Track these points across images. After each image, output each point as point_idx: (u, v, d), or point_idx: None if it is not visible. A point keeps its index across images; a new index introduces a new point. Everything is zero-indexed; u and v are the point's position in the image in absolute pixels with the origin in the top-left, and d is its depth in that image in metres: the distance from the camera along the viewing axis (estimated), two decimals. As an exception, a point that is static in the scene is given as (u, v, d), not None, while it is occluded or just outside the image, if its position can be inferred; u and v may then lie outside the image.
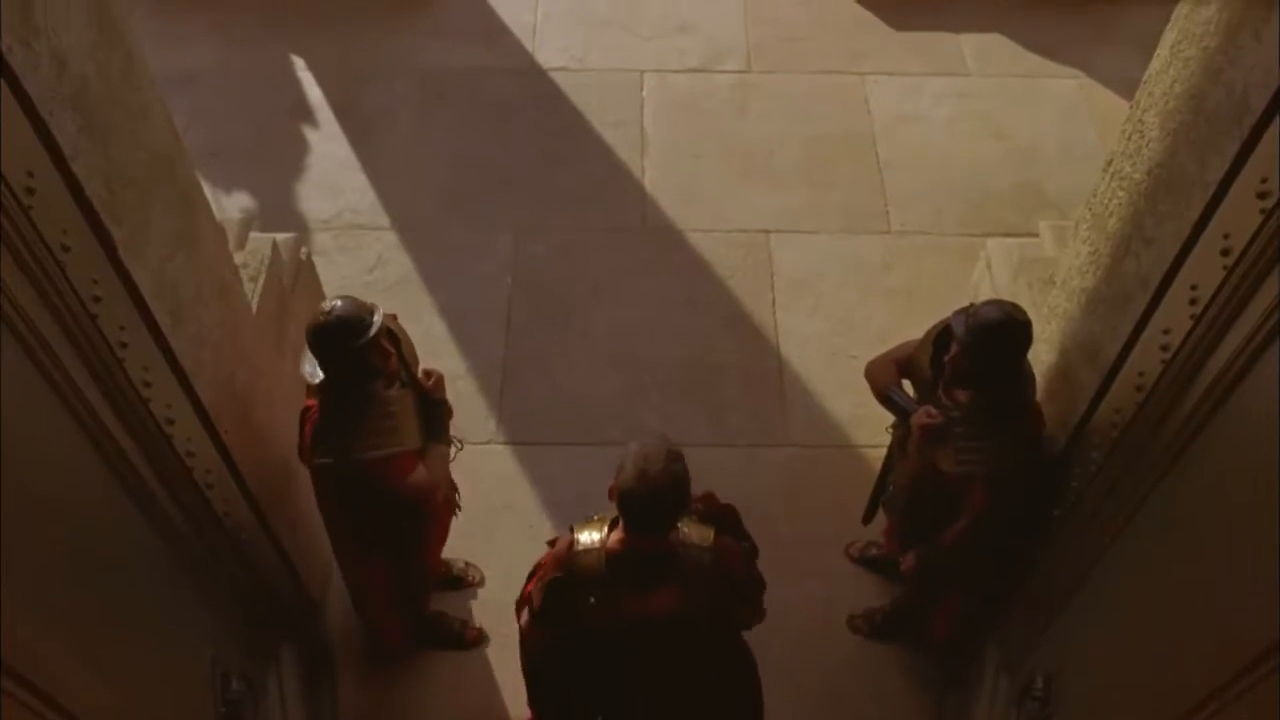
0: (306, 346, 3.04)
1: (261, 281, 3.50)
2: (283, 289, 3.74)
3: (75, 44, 2.23)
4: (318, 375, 3.05)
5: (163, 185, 2.71)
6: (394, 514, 3.21)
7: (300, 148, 5.35)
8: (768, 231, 4.93)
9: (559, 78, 5.67)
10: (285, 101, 5.57)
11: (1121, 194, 2.88)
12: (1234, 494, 2.28)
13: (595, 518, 2.69)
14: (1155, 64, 2.79)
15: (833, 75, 5.71)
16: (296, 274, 3.94)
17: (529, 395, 4.50)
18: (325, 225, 5.03)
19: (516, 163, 5.27)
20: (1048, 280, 3.50)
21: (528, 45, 5.85)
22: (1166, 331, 2.53)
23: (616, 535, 2.61)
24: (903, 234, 5.02)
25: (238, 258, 3.53)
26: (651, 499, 2.47)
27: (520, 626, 2.87)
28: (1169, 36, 2.71)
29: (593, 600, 2.60)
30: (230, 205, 5.05)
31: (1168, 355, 2.52)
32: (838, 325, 4.69)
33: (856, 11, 6.06)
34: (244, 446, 3.08)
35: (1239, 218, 2.20)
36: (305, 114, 5.51)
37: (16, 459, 1.92)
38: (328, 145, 5.37)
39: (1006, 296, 3.64)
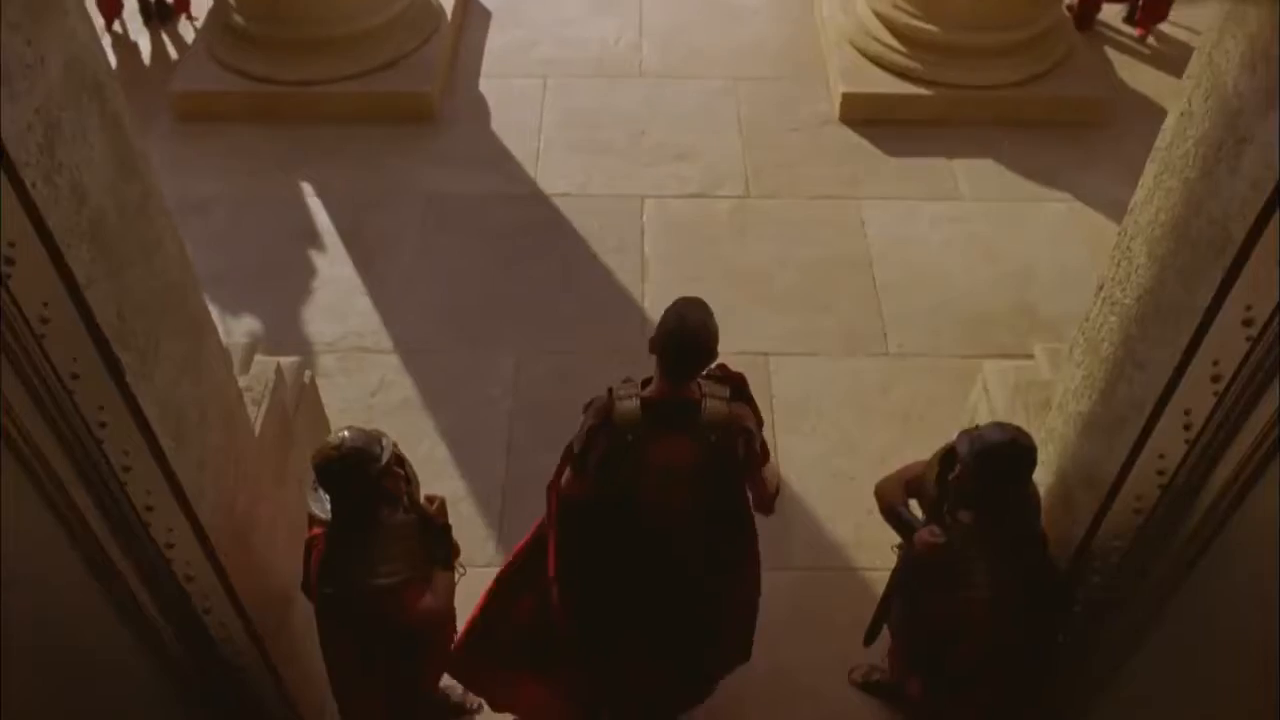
0: (313, 479, 3.00)
1: (265, 405, 3.54)
2: (286, 413, 3.78)
3: (96, 178, 2.31)
4: (326, 510, 3.01)
5: (172, 312, 2.76)
6: (399, 643, 3.14)
7: (307, 272, 5.45)
8: (767, 354, 4.98)
9: (561, 203, 5.81)
10: (294, 227, 5.69)
11: (1113, 319, 2.94)
12: (1238, 618, 2.27)
13: (628, 380, 3.04)
14: (1140, 193, 2.87)
15: (829, 200, 5.85)
16: (300, 397, 3.98)
17: (530, 518, 4.46)
18: (329, 348, 5.10)
19: (519, 286, 5.36)
20: (1044, 403, 3.53)
21: (530, 171, 6.02)
22: (1162, 456, 2.55)
23: (653, 386, 2.99)
24: (900, 356, 5.07)
25: (242, 381, 3.57)
26: (689, 342, 2.85)
27: (558, 490, 3.19)
28: (1151, 168, 2.80)
29: (630, 439, 2.94)
30: (237, 328, 5.12)
31: (1164, 479, 2.54)
32: (837, 447, 4.70)
33: (851, 138, 6.24)
34: (243, 572, 3.07)
35: (1227, 345, 2.25)
36: (313, 239, 5.63)
37: (15, 584, 1.93)
38: (334, 269, 5.47)
39: (1003, 419, 3.67)
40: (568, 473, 3.16)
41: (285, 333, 5.13)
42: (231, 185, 5.91)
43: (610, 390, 3.04)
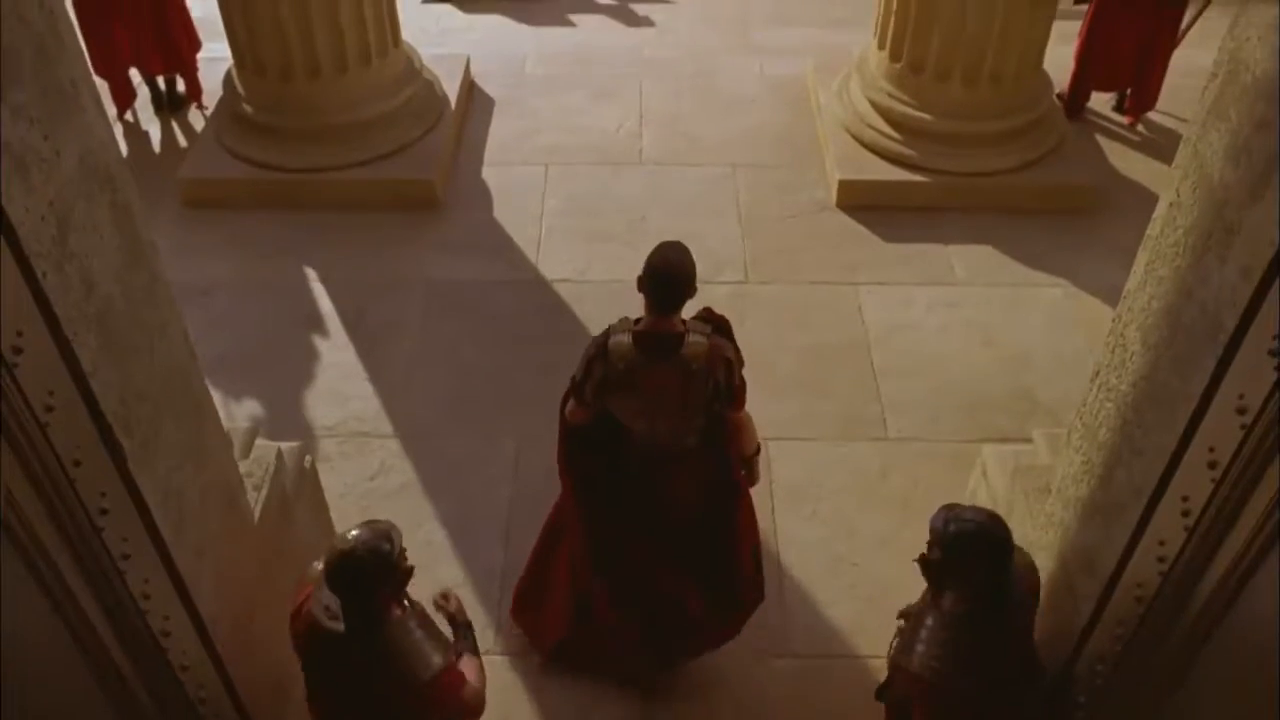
0: (320, 573, 2.84)
1: (265, 491, 3.54)
2: (286, 498, 3.78)
3: (105, 267, 2.35)
4: (338, 621, 2.81)
5: (175, 397, 2.79)
6: None
7: (309, 357, 5.49)
8: (766, 440, 4.97)
9: (562, 289, 5.87)
10: (297, 312, 5.75)
11: (1109, 405, 2.96)
12: (1243, 710, 2.25)
13: (624, 318, 3.42)
14: (1133, 280, 2.91)
15: (827, 286, 5.91)
16: (300, 482, 3.99)
17: (528, 603, 4.45)
18: (330, 432, 5.11)
19: (519, 372, 5.39)
20: (1043, 489, 3.54)
21: (532, 257, 6.09)
22: (1162, 543, 2.55)
23: (643, 321, 3.35)
24: (899, 440, 5.08)
25: (243, 466, 3.58)
26: (672, 275, 3.25)
27: (564, 417, 3.62)
28: (1143, 255, 2.85)
29: (621, 366, 3.32)
30: (238, 412, 5.14)
31: (1165, 566, 2.54)
32: (837, 532, 4.69)
33: (849, 225, 6.33)
34: (239, 660, 3.05)
35: (1221, 432, 2.27)
36: (315, 324, 5.68)
37: (9, 675, 1.92)
38: (336, 354, 5.51)
39: (1002, 504, 3.68)
40: (571, 402, 3.56)
41: (286, 417, 5.15)
42: (236, 270, 5.98)
43: (608, 328, 3.42)
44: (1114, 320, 3.01)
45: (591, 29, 8.75)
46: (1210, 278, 2.37)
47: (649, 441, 3.54)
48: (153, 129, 7.13)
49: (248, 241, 6.16)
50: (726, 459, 3.66)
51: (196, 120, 7.14)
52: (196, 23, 7.11)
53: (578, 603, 3.95)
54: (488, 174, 6.70)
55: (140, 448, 2.50)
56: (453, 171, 6.67)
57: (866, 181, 6.40)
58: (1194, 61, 6.01)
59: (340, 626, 2.79)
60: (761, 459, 3.81)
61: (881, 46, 6.58)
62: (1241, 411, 2.18)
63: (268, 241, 6.15)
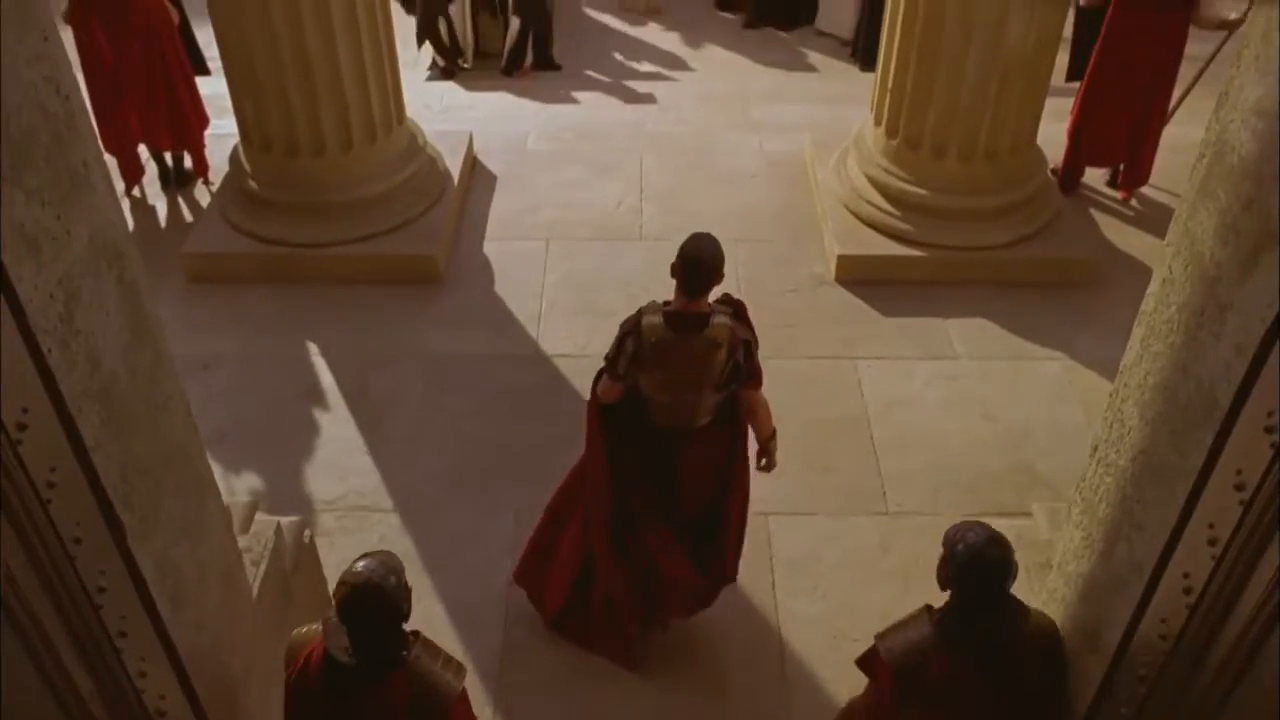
0: (336, 629, 2.85)
1: (264, 567, 3.53)
2: (285, 573, 3.76)
3: (110, 344, 2.37)
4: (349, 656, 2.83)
5: (176, 473, 2.79)
6: None
7: (310, 431, 5.50)
8: (766, 514, 4.97)
9: (562, 364, 5.90)
10: (298, 386, 5.77)
11: (1109, 480, 2.96)
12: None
13: (653, 301, 3.84)
14: (1129, 356, 2.93)
15: (827, 360, 5.94)
16: (299, 557, 3.97)
17: (528, 681, 4.40)
18: (330, 506, 5.10)
19: (519, 446, 5.40)
20: (1044, 564, 3.52)
21: (533, 332, 6.12)
22: (1164, 620, 2.53)
23: (673, 303, 3.77)
24: (900, 515, 5.07)
25: (242, 541, 3.57)
26: (701, 260, 3.66)
27: (596, 395, 3.97)
28: (1138, 331, 2.87)
29: (653, 341, 3.73)
30: (238, 486, 5.13)
31: (1168, 644, 2.52)
32: (838, 608, 4.65)
33: (848, 299, 6.38)
34: (234, 738, 3.01)
35: (1221, 509, 2.27)
36: (317, 398, 5.70)
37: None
38: (337, 429, 5.52)
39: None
40: (604, 380, 3.92)
41: (286, 491, 5.14)
42: (238, 343, 6.02)
43: (639, 309, 3.81)
44: (1111, 395, 3.02)
45: (592, 105, 8.93)
46: (1205, 354, 2.39)
47: (669, 416, 3.93)
48: (159, 204, 7.22)
49: (250, 315, 6.21)
50: (734, 439, 4.04)
51: (202, 196, 7.24)
52: (205, 100, 7.25)
53: (580, 573, 4.32)
54: (489, 249, 6.78)
55: (140, 523, 2.50)
56: (454, 246, 6.74)
57: (865, 256, 6.47)
58: (1184, 137, 6.10)
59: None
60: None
61: (878, 123, 6.70)
62: (1240, 488, 2.18)
63: (270, 315, 6.20)
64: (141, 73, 6.76)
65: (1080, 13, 6.88)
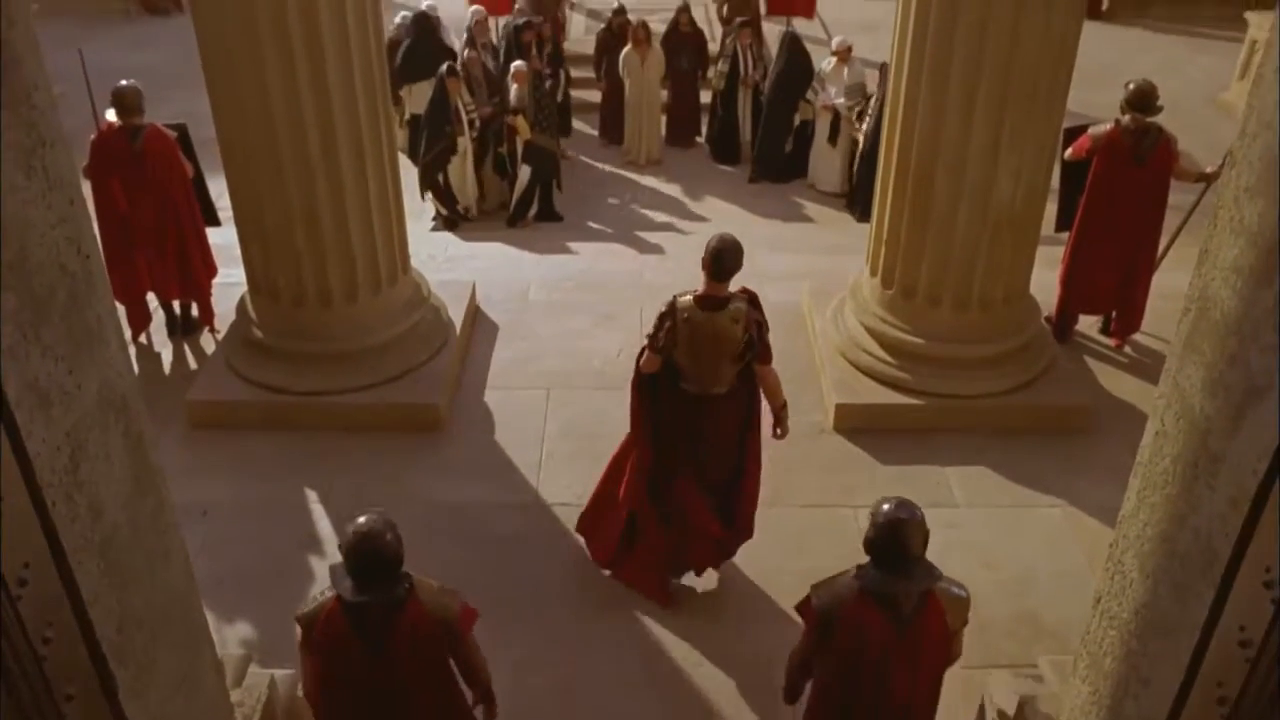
0: (344, 580, 3.42)
1: (256, 721, 3.46)
2: (276, 728, 3.68)
3: (113, 495, 2.39)
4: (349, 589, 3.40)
5: (172, 625, 2.77)
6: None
7: (307, 579, 5.43)
8: (770, 658, 4.88)
9: (561, 513, 5.87)
10: (297, 533, 5.73)
11: (1113, 633, 2.93)
12: None
13: (684, 290, 4.78)
14: (1126, 506, 2.94)
15: (826, 509, 5.92)
16: (291, 710, 3.89)
17: None
18: (324, 657, 5.00)
19: (519, 595, 5.33)
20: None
21: (532, 480, 6.12)
22: (1176, 780, 2.48)
23: (701, 288, 4.71)
24: (905, 666, 4.96)
25: (235, 695, 3.52)
26: (723, 249, 4.60)
27: (639, 369, 4.93)
28: (1134, 482, 2.89)
29: (685, 317, 4.69)
30: (232, 635, 5.06)
31: (1181, 805, 2.46)
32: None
33: (846, 448, 6.40)
34: None
35: (1227, 665, 2.24)
36: (314, 546, 5.66)
37: None
38: (334, 576, 5.45)
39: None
40: (646, 354, 4.85)
41: (281, 641, 5.02)
42: (238, 491, 6.01)
43: (674, 296, 4.78)
44: (1111, 546, 3.02)
45: (593, 255, 9.13)
46: (1201, 506, 2.41)
47: (696, 383, 4.87)
48: (165, 351, 7.32)
49: (251, 462, 6.22)
50: (749, 409, 4.99)
51: (208, 343, 7.34)
52: (214, 249, 7.43)
53: (626, 526, 5.26)
54: (490, 397, 6.83)
55: (133, 678, 2.47)
56: (456, 395, 6.80)
57: (863, 405, 6.52)
58: (1174, 284, 6.21)
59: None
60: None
61: (874, 273, 6.84)
62: (1245, 645, 2.17)
63: (270, 462, 6.21)
64: (154, 224, 6.95)
65: (1066, 165, 7.11)
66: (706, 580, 5.46)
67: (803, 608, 3.77)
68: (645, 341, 4.87)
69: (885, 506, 3.51)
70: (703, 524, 5.09)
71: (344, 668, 3.52)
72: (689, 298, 4.73)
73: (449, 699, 3.80)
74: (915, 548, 3.47)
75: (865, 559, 3.55)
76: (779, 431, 5.04)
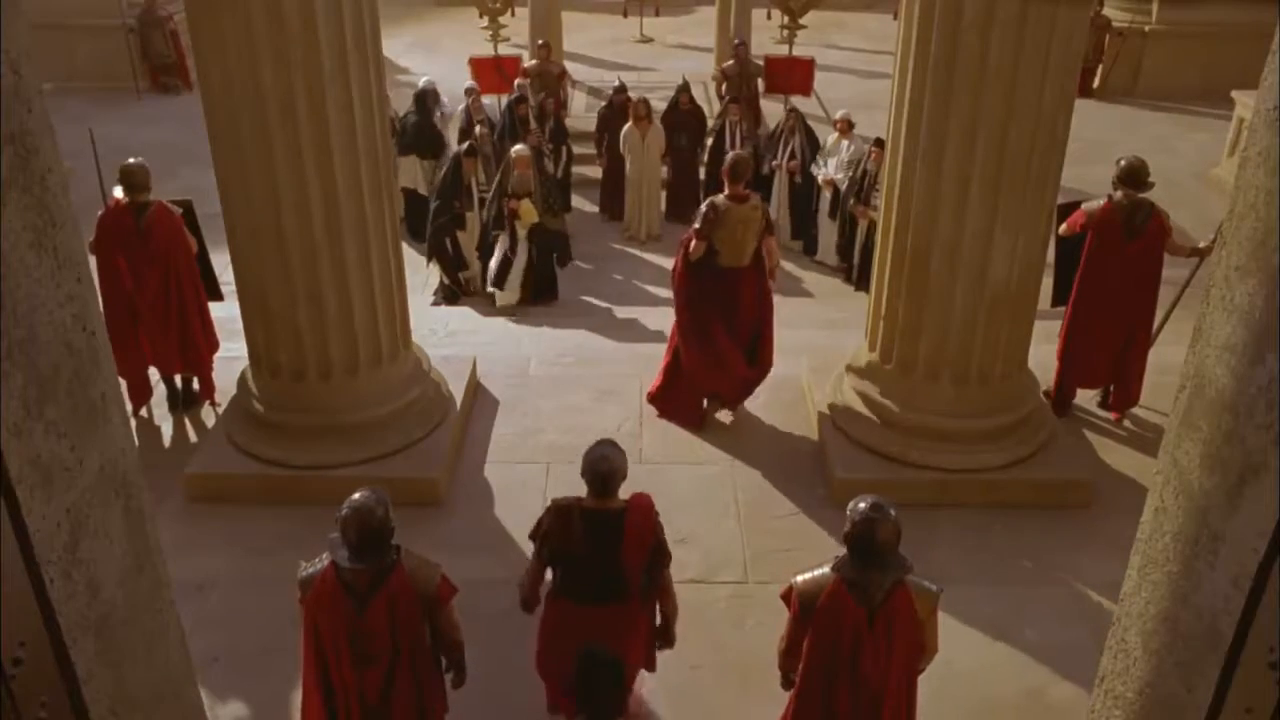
0: (338, 549, 3.98)
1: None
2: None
3: (111, 572, 2.38)
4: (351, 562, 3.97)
5: (166, 706, 2.74)
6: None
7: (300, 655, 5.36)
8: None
9: (560, 586, 5.82)
10: (293, 611, 5.63)
11: (1118, 713, 2.90)
12: None
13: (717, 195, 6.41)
14: (1128, 584, 2.93)
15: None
16: (285, 793, 3.83)
17: None
18: (318, 737, 4.92)
19: (515, 673, 5.27)
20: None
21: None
22: None
23: (729, 191, 6.69)
24: (909, 746, 4.89)
25: (228, 777, 3.45)
26: (742, 163, 6.89)
27: (685, 251, 6.90)
28: (1135, 559, 2.88)
29: (722, 208, 6.70)
30: (225, 714, 4.99)
31: None
32: None
33: (846, 522, 6.37)
34: None
35: (1234, 746, 2.22)
36: (311, 622, 5.59)
37: None
38: (330, 653, 5.39)
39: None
40: (694, 243, 6.78)
41: (274, 717, 4.99)
42: (235, 565, 5.97)
43: (711, 197, 6.74)
44: (1114, 624, 3.00)
45: (593, 330, 9.16)
46: (1203, 584, 2.40)
47: (729, 257, 6.79)
48: (165, 425, 7.32)
49: (248, 536, 6.19)
50: (763, 276, 7.00)
51: (208, 416, 7.35)
52: (216, 323, 7.47)
53: (671, 360, 7.23)
54: (490, 471, 6.82)
55: (126, 759, 2.44)
56: (456, 470, 6.79)
57: (863, 479, 6.49)
58: (1171, 358, 6.24)
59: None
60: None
61: (873, 349, 6.88)
62: (1250, 725, 2.15)
63: (268, 536, 6.18)
64: (157, 300, 7.00)
65: (1060, 240, 7.18)
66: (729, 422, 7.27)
67: (786, 594, 4.19)
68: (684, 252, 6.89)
69: (861, 505, 3.96)
70: (734, 362, 6.98)
71: (330, 626, 4.06)
72: (721, 197, 6.69)
73: (422, 661, 4.26)
74: (887, 541, 3.89)
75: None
76: (771, 284, 7.16)
